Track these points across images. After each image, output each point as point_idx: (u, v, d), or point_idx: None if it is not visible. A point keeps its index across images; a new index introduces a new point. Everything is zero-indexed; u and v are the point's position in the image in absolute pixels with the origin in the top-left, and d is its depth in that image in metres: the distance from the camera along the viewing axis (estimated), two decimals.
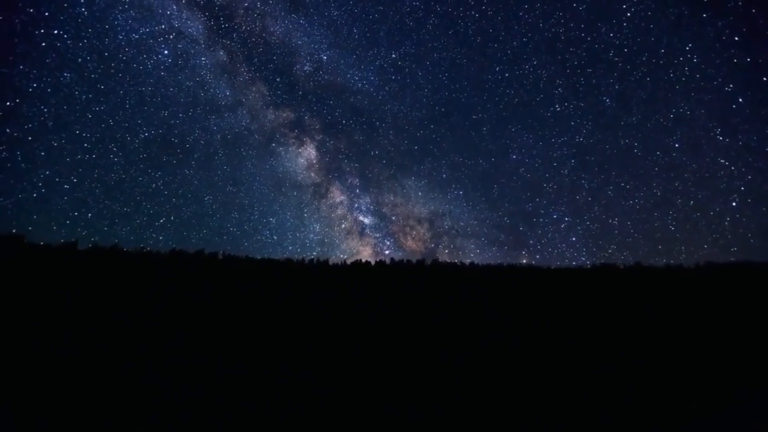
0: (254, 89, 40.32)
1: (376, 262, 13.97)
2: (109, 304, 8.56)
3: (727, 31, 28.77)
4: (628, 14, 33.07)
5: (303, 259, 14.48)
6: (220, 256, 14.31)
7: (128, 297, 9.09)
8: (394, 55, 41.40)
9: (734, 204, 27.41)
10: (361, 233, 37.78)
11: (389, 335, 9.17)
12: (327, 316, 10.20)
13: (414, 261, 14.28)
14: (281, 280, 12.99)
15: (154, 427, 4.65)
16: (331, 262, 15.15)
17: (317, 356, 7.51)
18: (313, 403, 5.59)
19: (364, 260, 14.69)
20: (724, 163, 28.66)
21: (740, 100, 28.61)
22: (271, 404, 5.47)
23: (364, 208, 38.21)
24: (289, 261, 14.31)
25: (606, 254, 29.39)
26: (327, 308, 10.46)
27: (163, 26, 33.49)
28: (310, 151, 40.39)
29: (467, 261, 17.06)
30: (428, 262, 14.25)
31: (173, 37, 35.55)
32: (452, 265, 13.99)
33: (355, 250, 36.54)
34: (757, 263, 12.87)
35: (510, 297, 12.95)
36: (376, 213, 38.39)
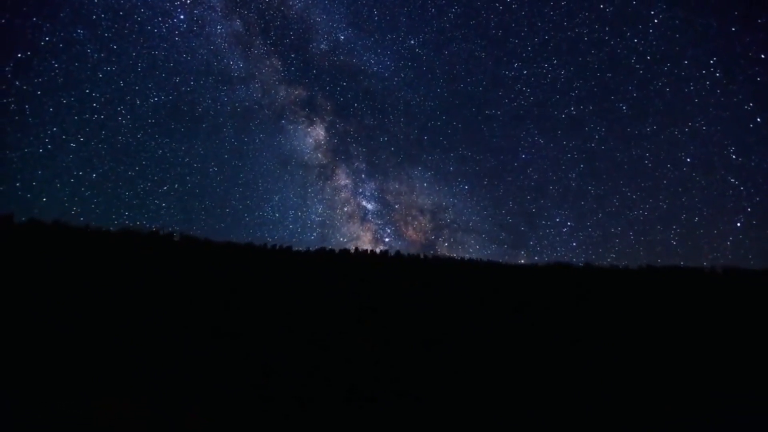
0: (268, 63, 37.39)
1: (340, 250, 13.91)
2: (42, 285, 8.00)
3: (754, 47, 26.68)
4: (655, 21, 30.55)
5: (266, 244, 14.18)
6: (176, 237, 13.71)
7: (66, 278, 8.53)
8: (412, 42, 38.25)
9: (738, 224, 26.47)
10: (363, 219, 36.49)
11: (348, 325, 9.23)
12: (281, 302, 10.10)
13: (378, 251, 14.35)
14: (240, 264, 12.67)
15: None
16: (314, 248, 14.93)
17: (260, 345, 7.43)
18: (260, 393, 5.52)
19: (363, 248, 14.59)
20: (734, 182, 27.49)
21: (758, 119, 26.82)
22: (212, 393, 5.34)
23: (368, 194, 36.68)
24: (250, 245, 13.96)
25: (604, 263, 28.28)
26: (281, 295, 10.34)
27: None
28: (319, 132, 38.03)
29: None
30: (392, 253, 14.36)
31: (190, 2, 32.50)
32: (415, 258, 14.19)
33: (355, 235, 35.42)
34: (689, 267, 14.01)
35: (473, 293, 13.36)
36: (380, 200, 36.95)
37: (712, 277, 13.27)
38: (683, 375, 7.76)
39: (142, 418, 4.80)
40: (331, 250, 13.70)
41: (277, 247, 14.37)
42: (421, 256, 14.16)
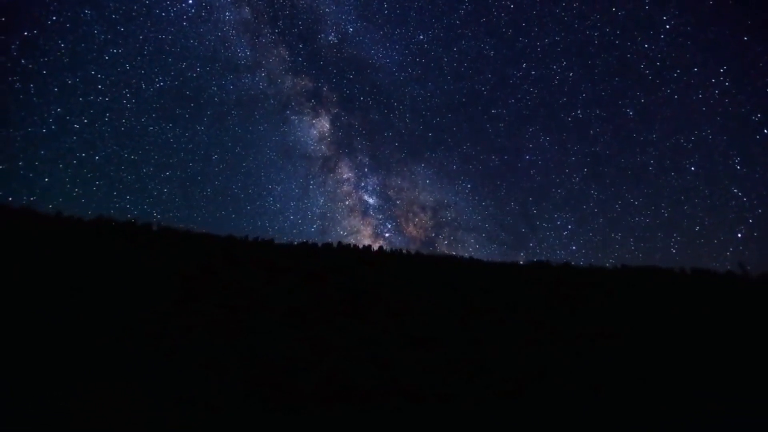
0: (275, 53, 36.04)
1: (322, 244, 13.84)
2: (7, 272, 7.68)
3: (766, 57, 25.89)
4: (667, 26, 29.61)
5: (246, 236, 13.97)
6: (155, 228, 13.35)
7: (35, 267, 8.21)
8: (421, 37, 36.64)
9: (739, 235, 26.29)
10: (364, 213, 35.60)
11: (329, 320, 9.21)
12: (263, 296, 10.00)
13: (361, 246, 14.35)
14: (218, 256, 12.45)
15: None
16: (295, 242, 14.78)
17: (244, 341, 7.36)
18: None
19: (348, 242, 14.46)
20: (737, 193, 27.17)
21: (765, 131, 26.22)
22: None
23: (370, 188, 35.78)
24: (230, 237, 13.73)
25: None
26: (262, 289, 10.24)
27: None
28: (323, 124, 36.76)
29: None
30: (375, 248, 14.38)
31: None
32: (398, 252, 14.25)
33: (355, 229, 34.64)
34: (661, 268, 14.60)
35: (455, 289, 13.53)
36: (382, 195, 36.01)
37: (682, 277, 13.93)
38: (661, 373, 8.09)
39: (123, 410, 4.71)
40: (314, 244, 13.62)
41: (259, 239, 14.18)
42: (404, 251, 14.24)
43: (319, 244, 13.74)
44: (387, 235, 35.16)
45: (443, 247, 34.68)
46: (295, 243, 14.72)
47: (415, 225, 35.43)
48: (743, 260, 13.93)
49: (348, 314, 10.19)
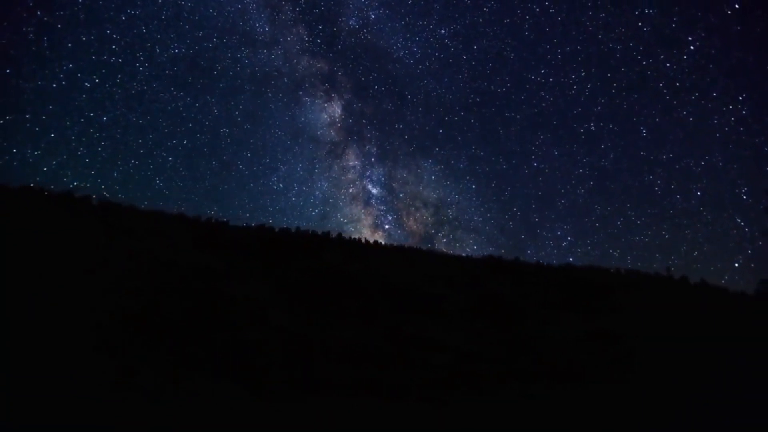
0: (294, 31, 34.20)
1: (279, 229, 13.50)
2: None
3: None
4: (691, 47, 28.36)
5: (200, 217, 13.33)
6: (94, 201, 12.37)
7: None
8: (443, 31, 34.88)
9: (736, 265, 25.30)
10: (366, 202, 34.41)
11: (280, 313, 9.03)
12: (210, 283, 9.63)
13: (320, 233, 14.16)
14: (167, 237, 11.78)
15: None
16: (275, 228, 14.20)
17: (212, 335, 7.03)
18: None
19: (310, 229, 14.05)
20: (740, 222, 25.98)
21: None
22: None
23: (374, 178, 34.62)
24: (182, 215, 13.03)
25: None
26: (213, 274, 9.85)
27: None
28: (335, 108, 35.01)
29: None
30: (335, 236, 14.23)
31: None
32: (357, 241, 14.20)
33: (356, 217, 33.53)
34: (602, 268, 15.72)
35: (431, 284, 13.74)
36: (386, 186, 34.91)
37: (618, 276, 15.16)
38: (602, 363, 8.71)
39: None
40: (271, 228, 13.26)
41: (213, 221, 13.59)
42: (363, 240, 14.23)
43: (276, 229, 13.37)
44: (387, 227, 34.72)
45: (441, 245, 34.47)
46: (253, 226, 14.25)
47: (415, 220, 35.17)
48: (670, 266, 15.69)
49: (287, 308, 10.05)
